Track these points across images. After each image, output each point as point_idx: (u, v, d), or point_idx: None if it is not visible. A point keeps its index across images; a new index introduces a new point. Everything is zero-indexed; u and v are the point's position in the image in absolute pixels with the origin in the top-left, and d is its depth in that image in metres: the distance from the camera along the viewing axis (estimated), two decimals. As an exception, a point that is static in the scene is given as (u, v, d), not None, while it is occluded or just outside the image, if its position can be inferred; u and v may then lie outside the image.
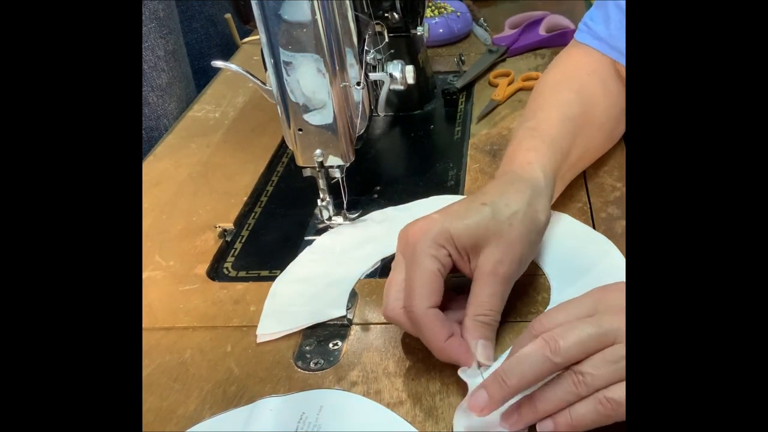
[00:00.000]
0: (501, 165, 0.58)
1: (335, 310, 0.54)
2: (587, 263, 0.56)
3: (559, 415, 0.42)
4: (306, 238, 0.64)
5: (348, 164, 0.61)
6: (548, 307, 0.53)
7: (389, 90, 0.62)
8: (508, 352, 0.48)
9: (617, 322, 0.42)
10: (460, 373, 0.47)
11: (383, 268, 0.59)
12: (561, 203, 0.64)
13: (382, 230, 0.63)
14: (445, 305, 0.50)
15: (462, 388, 0.47)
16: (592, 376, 0.41)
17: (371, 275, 0.59)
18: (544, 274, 0.56)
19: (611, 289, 0.45)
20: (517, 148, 0.58)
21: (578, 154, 0.62)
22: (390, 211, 0.65)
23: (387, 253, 0.60)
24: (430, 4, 1.00)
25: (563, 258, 0.57)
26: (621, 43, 0.65)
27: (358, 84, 0.59)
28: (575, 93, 0.63)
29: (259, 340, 0.53)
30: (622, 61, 0.65)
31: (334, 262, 0.60)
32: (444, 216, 0.50)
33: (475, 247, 0.49)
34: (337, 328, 0.54)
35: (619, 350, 0.41)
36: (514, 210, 0.50)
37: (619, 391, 0.40)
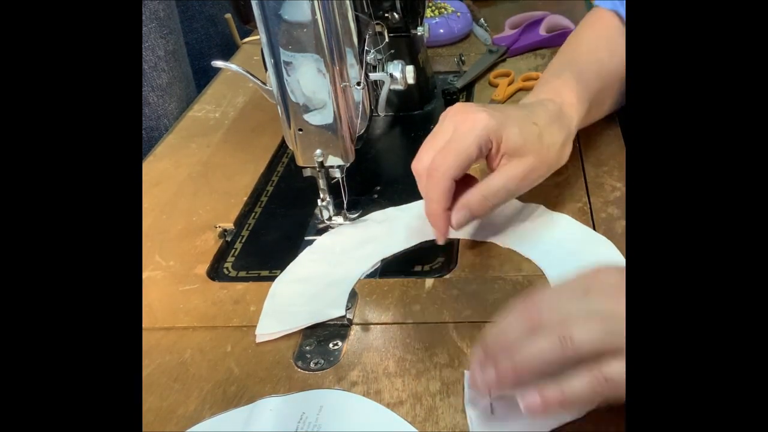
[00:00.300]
0: (547, 90, 0.63)
1: (335, 310, 0.54)
2: (587, 264, 0.56)
3: (549, 388, 0.40)
4: (306, 238, 0.64)
5: (348, 164, 0.61)
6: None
7: (389, 90, 0.62)
8: None
9: (608, 304, 0.41)
10: (466, 375, 0.48)
11: (383, 268, 0.59)
12: (561, 203, 0.64)
13: (382, 230, 0.63)
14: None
15: (462, 388, 0.47)
16: (580, 339, 0.39)
17: (371, 275, 0.59)
18: (544, 275, 0.56)
19: (604, 270, 0.45)
20: (564, 84, 0.64)
21: (595, 112, 0.68)
22: (391, 211, 0.65)
23: (387, 253, 0.60)
24: (430, 4, 1.00)
25: (563, 258, 0.57)
26: None
27: (358, 84, 0.59)
28: (610, 53, 0.68)
29: (258, 340, 0.53)
30: None
31: (334, 262, 0.60)
32: (501, 116, 0.56)
33: (513, 153, 0.56)
34: (337, 328, 0.54)
35: (610, 324, 0.40)
36: (555, 141, 0.58)
37: (617, 368, 0.39)
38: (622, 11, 0.70)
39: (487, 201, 0.56)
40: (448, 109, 0.58)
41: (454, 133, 0.55)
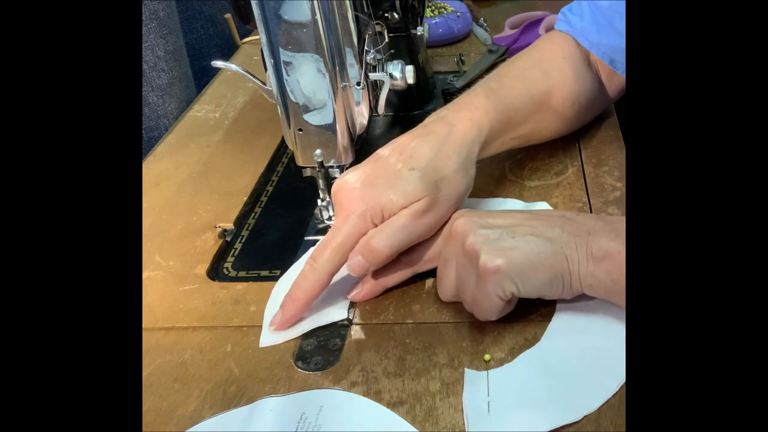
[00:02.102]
0: (452, 106, 0.60)
1: (337, 312, 0.54)
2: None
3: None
4: (306, 238, 0.64)
5: (348, 164, 0.61)
6: (553, 307, 0.53)
7: (389, 90, 0.62)
8: (512, 364, 0.48)
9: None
10: (466, 373, 0.48)
11: (383, 268, 0.59)
12: (560, 203, 0.64)
13: None
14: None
15: (462, 388, 0.47)
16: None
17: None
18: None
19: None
20: (470, 102, 0.60)
21: (528, 130, 0.65)
22: None
23: None
24: (430, 4, 1.00)
25: None
26: (593, 36, 0.68)
27: (358, 84, 0.59)
28: (544, 73, 0.66)
29: (261, 346, 0.53)
30: (594, 51, 0.69)
31: None
32: (372, 190, 0.53)
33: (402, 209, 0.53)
34: (338, 329, 0.54)
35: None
36: (442, 176, 0.54)
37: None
38: (578, 35, 0.69)
39: (384, 242, 0.52)
40: (333, 189, 0.55)
41: (334, 224, 0.54)
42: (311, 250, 0.61)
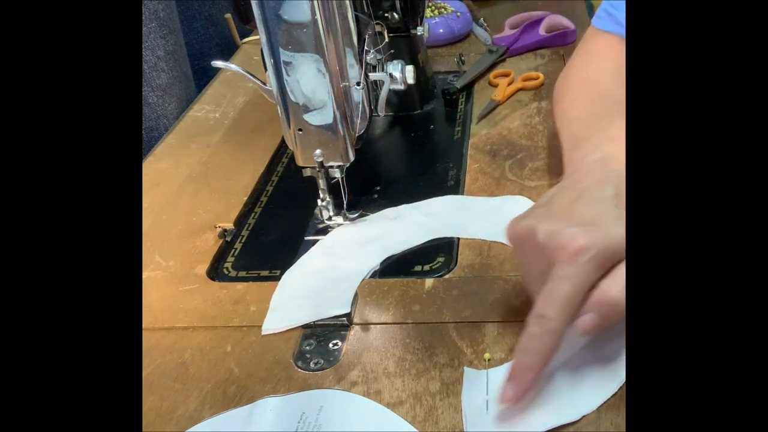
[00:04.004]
0: (605, 141, 0.52)
1: (339, 307, 0.54)
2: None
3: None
4: (306, 238, 0.64)
5: (348, 164, 0.61)
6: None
7: (389, 90, 0.62)
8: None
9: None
10: (465, 372, 0.48)
11: (383, 269, 0.59)
12: (561, 203, 0.64)
13: (393, 227, 0.63)
14: None
15: (462, 388, 0.47)
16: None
17: (372, 276, 0.59)
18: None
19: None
20: (619, 133, 0.52)
21: None
22: (404, 208, 0.65)
23: (396, 250, 0.60)
24: (430, 4, 1.00)
25: None
26: None
27: (358, 84, 0.59)
28: (620, 84, 0.58)
29: (263, 333, 0.53)
30: None
31: (343, 256, 0.60)
32: (601, 231, 0.43)
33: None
34: (337, 328, 0.54)
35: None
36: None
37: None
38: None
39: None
40: (526, 228, 0.47)
41: (557, 270, 0.43)
42: (312, 249, 0.61)
